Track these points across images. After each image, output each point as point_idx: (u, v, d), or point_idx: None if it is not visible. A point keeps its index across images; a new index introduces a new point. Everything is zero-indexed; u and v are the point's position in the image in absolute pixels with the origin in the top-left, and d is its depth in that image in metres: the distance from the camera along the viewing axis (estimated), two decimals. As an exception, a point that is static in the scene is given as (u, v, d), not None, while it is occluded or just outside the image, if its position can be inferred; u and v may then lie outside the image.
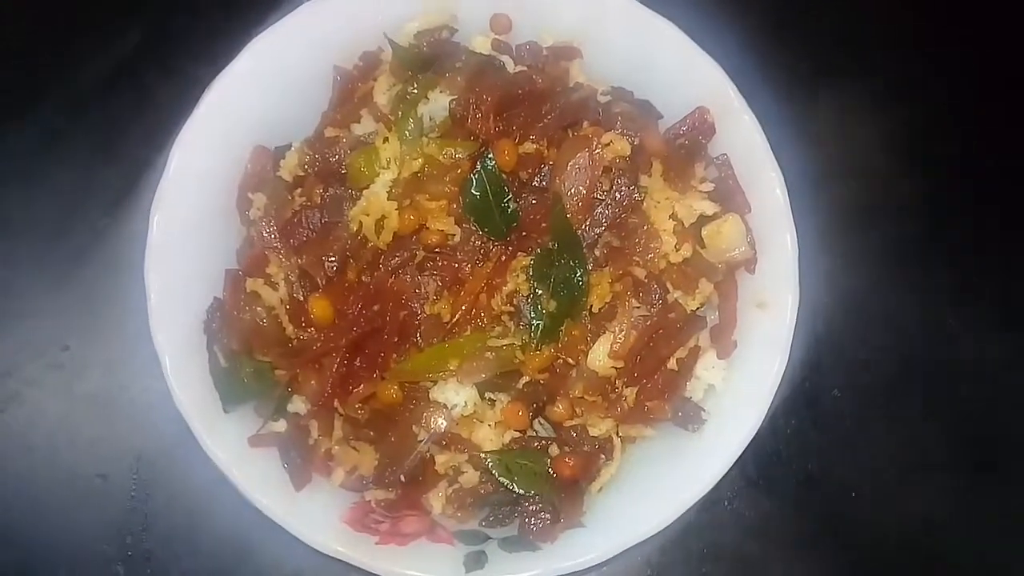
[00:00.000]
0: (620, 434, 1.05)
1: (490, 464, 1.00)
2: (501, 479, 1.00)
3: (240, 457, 1.00)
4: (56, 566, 1.12)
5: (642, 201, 1.03)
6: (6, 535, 1.12)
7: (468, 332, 1.01)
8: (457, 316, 1.00)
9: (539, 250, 1.01)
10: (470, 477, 1.02)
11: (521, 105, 1.05)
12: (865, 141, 1.30)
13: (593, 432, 1.03)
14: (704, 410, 1.05)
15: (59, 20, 1.28)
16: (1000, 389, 1.23)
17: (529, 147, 1.03)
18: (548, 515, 1.00)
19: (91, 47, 1.27)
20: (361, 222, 1.02)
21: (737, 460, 1.04)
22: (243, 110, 1.07)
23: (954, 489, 1.20)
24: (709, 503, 1.12)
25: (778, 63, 1.26)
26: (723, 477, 1.05)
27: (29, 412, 1.16)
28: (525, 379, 1.02)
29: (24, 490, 1.13)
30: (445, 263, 1.01)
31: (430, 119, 1.04)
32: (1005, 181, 1.30)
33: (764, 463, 1.18)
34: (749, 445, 1.03)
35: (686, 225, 1.05)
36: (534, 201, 1.02)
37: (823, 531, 1.17)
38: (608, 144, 1.02)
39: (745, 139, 1.07)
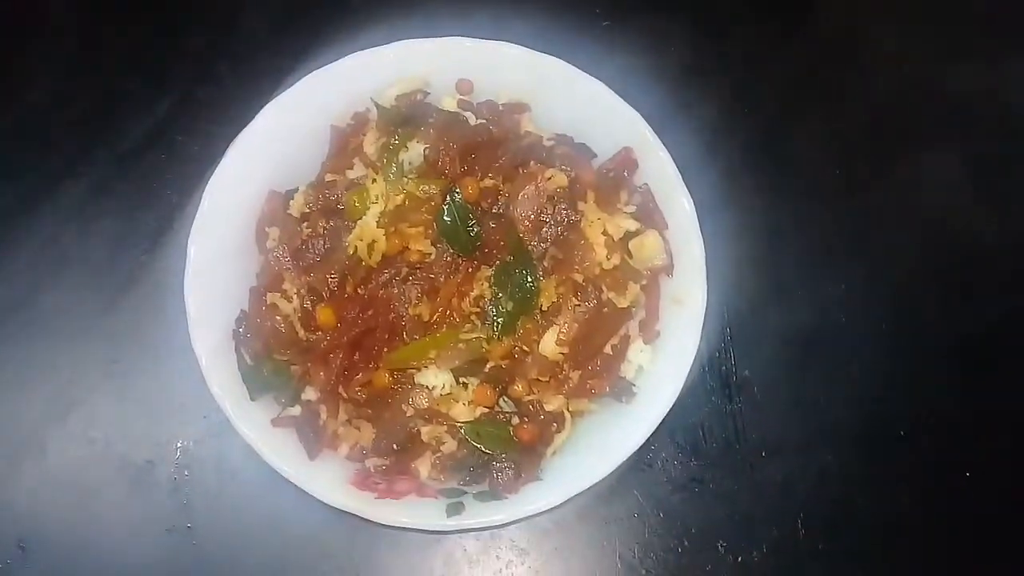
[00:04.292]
0: (569, 408, 1.05)
1: (465, 433, 1.01)
2: (474, 444, 1.00)
3: (265, 435, 1.01)
4: (112, 538, 1.14)
5: (579, 222, 1.04)
6: (65, 516, 1.15)
7: (444, 329, 1.02)
8: (435, 317, 1.02)
9: (498, 263, 1.02)
10: (450, 445, 1.02)
11: (481, 150, 1.06)
12: (761, 169, 1.33)
13: (547, 407, 1.04)
14: (634, 386, 1.06)
15: (101, 90, 1.34)
16: (897, 359, 1.23)
17: (488, 183, 1.04)
18: (512, 472, 1.01)
19: (130, 113, 1.32)
20: (356, 246, 1.02)
21: (666, 429, 1.08)
22: (259, 161, 1.09)
23: (850, 442, 1.22)
24: (645, 464, 1.16)
25: (689, 108, 1.30)
26: (656, 443, 1.14)
27: (88, 413, 1.20)
28: (491, 365, 1.02)
29: (83, 477, 1.17)
30: (424, 275, 1.02)
31: (409, 164, 1.06)
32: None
33: (689, 432, 1.21)
34: (677, 416, 1.06)
35: (615, 239, 1.06)
36: (493, 225, 1.03)
37: (740, 486, 1.19)
38: (551, 178, 1.04)
39: (661, 171, 1.09)
